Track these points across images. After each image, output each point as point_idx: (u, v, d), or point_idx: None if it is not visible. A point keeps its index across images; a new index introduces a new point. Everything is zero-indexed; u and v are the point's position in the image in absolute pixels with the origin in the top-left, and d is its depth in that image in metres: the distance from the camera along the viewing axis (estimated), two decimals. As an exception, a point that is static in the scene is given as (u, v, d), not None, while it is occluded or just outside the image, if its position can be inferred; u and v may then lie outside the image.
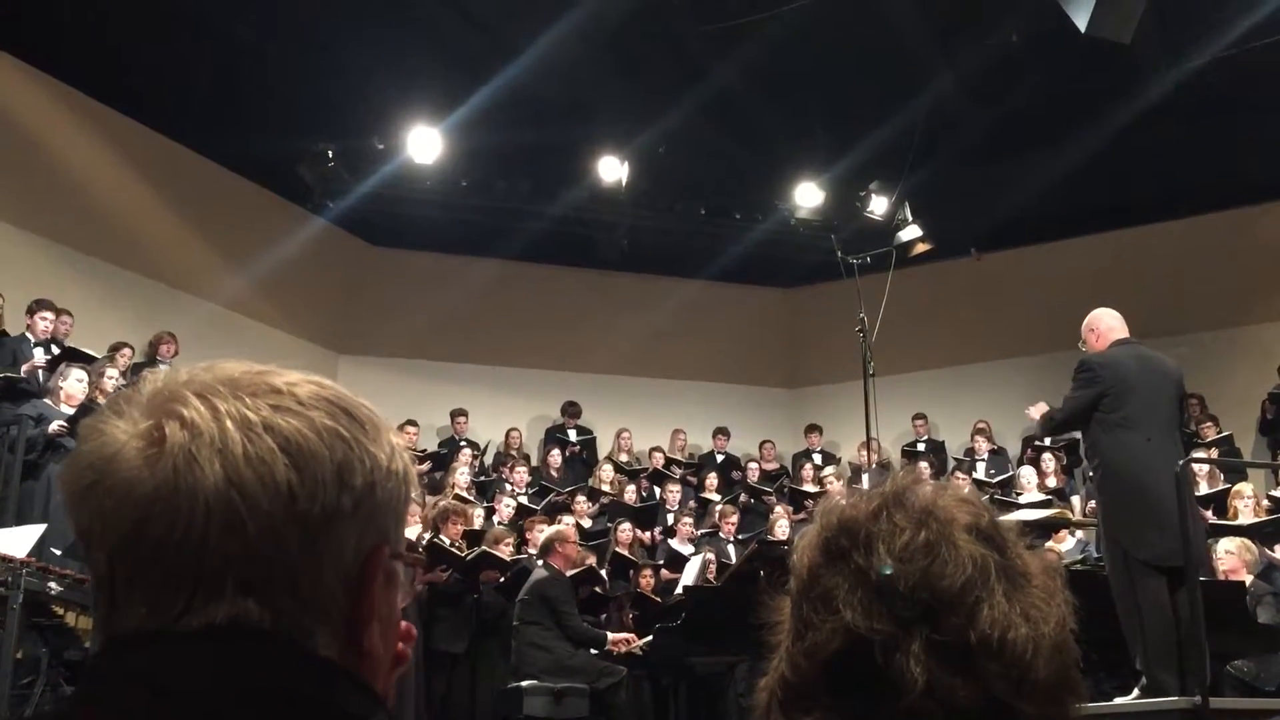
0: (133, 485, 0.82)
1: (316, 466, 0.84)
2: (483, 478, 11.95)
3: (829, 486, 11.66)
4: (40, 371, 8.77)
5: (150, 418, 0.84)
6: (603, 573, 9.64)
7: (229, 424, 0.83)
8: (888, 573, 0.98)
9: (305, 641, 0.84)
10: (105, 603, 0.85)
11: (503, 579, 8.75)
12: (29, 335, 9.12)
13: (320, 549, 0.85)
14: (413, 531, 8.72)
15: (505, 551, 8.83)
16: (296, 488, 0.83)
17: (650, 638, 8.23)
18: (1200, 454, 10.04)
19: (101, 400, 8.10)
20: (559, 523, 9.59)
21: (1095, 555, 8.10)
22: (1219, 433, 11.31)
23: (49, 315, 9.22)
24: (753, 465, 12.96)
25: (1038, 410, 6.12)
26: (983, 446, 12.76)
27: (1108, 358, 5.69)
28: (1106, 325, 5.88)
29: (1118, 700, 5.28)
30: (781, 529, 10.37)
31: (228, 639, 0.81)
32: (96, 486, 0.83)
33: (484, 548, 8.73)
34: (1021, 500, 10.32)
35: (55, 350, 9.09)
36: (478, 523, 9.89)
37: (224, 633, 0.81)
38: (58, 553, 6.42)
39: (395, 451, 0.91)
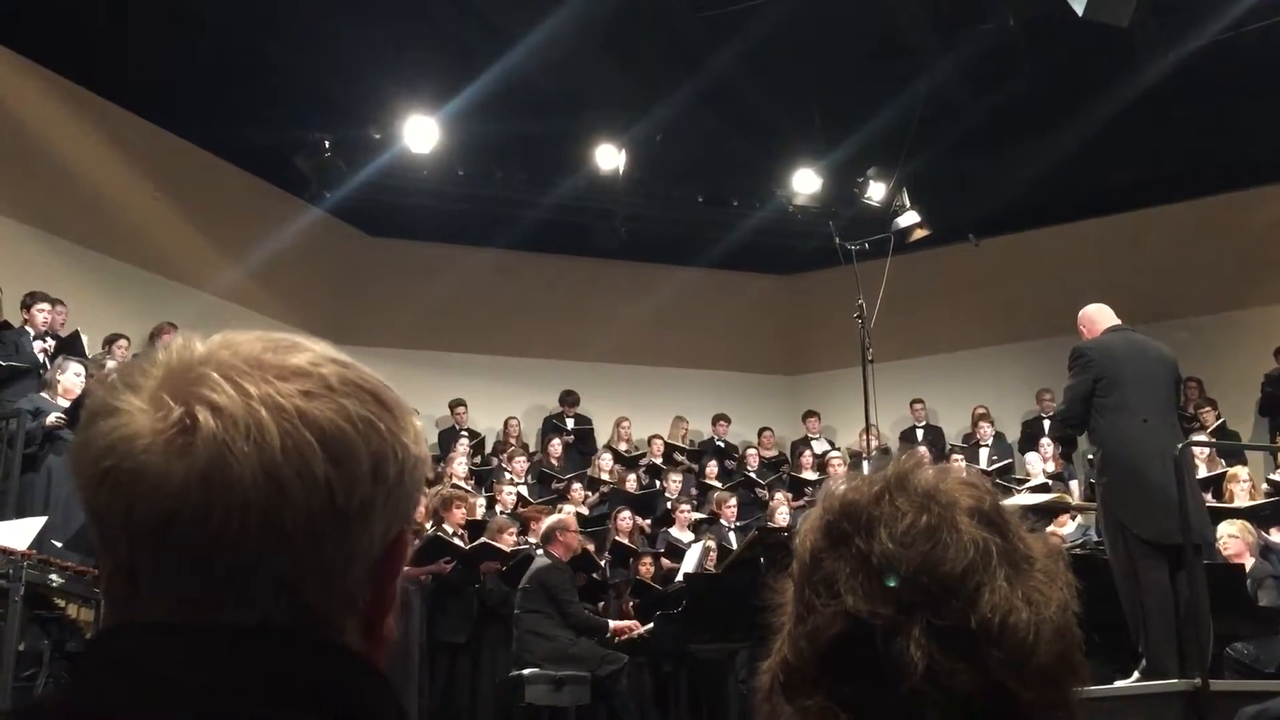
0: (161, 474, 0.78)
1: (353, 460, 0.82)
2: (484, 466, 11.97)
3: (833, 469, 11.69)
4: (43, 354, 8.79)
5: (176, 400, 0.80)
6: (602, 561, 9.66)
7: (264, 413, 0.80)
8: (892, 585, 0.97)
9: (333, 634, 0.83)
10: (123, 588, 0.82)
11: (504, 569, 8.75)
12: (29, 329, 9.11)
13: (353, 543, 0.83)
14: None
15: (508, 541, 8.82)
16: (335, 483, 0.81)
17: (651, 625, 8.25)
18: (1199, 438, 10.06)
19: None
20: (559, 511, 9.59)
21: (1095, 539, 8.12)
22: (1217, 416, 11.33)
23: (46, 306, 9.20)
24: (751, 451, 12.97)
25: None
26: (986, 432, 12.78)
27: (1099, 343, 5.75)
28: (1095, 317, 5.93)
29: (1118, 683, 5.29)
30: (782, 515, 10.38)
31: (255, 633, 0.79)
32: (116, 471, 0.79)
33: (485, 539, 8.72)
34: (1024, 485, 10.34)
35: (53, 342, 9.09)
36: (479, 512, 9.89)
37: (252, 627, 0.80)
38: (58, 545, 6.42)
39: (418, 435, 0.90)
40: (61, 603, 5.89)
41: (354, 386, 0.85)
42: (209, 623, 0.79)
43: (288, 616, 0.80)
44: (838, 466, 11.75)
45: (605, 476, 11.80)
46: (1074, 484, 11.23)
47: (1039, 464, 11.28)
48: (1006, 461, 12.29)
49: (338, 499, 0.81)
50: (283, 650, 0.80)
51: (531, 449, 12.75)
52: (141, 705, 0.76)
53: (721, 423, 13.52)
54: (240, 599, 0.80)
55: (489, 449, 12.73)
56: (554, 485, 11.48)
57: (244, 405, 0.80)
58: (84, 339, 9.33)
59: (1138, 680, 5.22)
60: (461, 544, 8.67)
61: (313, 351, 0.87)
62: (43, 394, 8.13)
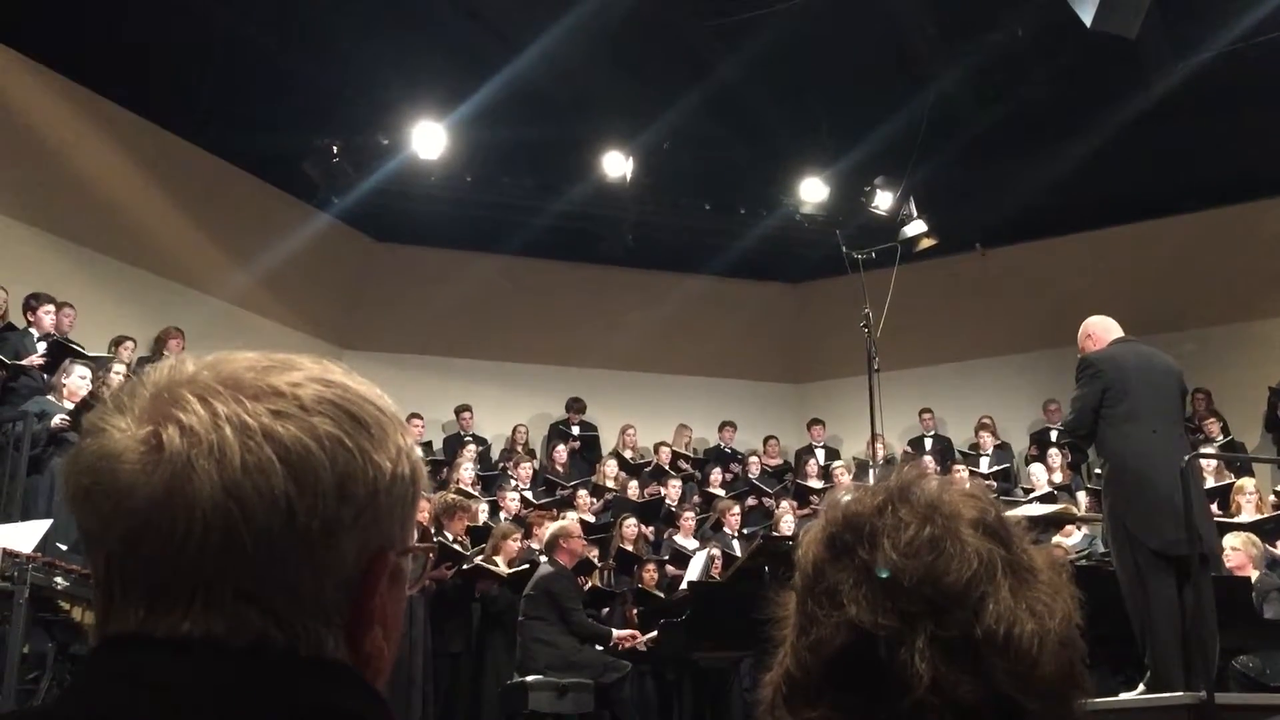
0: (131, 490, 0.81)
1: (316, 478, 0.82)
2: (489, 471, 11.97)
3: (838, 479, 11.67)
4: (37, 365, 8.71)
5: (150, 420, 0.83)
6: (605, 565, 9.64)
7: (228, 431, 0.81)
8: (884, 575, 0.97)
9: (310, 646, 0.83)
10: (104, 601, 0.84)
11: (497, 587, 8.70)
12: (33, 330, 9.10)
13: (319, 560, 0.83)
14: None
15: (510, 549, 8.79)
16: (295, 500, 0.81)
17: (655, 633, 8.24)
18: (1207, 450, 10.03)
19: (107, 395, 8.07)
20: (563, 518, 9.58)
21: (1101, 551, 8.10)
22: (1223, 427, 11.31)
23: (50, 308, 9.18)
24: (754, 459, 12.96)
25: None
26: (987, 441, 12.76)
27: (1107, 353, 5.75)
28: (1101, 329, 5.92)
29: (1123, 695, 5.28)
30: (786, 524, 10.37)
31: (223, 645, 0.80)
32: (95, 489, 0.82)
33: (478, 561, 8.65)
34: (1028, 495, 10.32)
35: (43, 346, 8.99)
36: (482, 518, 9.88)
37: (220, 639, 0.81)
38: (63, 548, 6.42)
39: (402, 453, 0.88)
40: (66, 605, 5.89)
41: (329, 405, 0.85)
42: (178, 635, 0.81)
43: (256, 627, 0.81)
44: (841, 475, 11.73)
45: (610, 484, 11.80)
46: (1080, 495, 11.21)
47: (1044, 475, 11.25)
48: (1004, 466, 12.29)
49: (298, 517, 0.81)
50: (251, 664, 0.81)
51: (537, 455, 12.75)
52: (121, 715, 0.78)
53: (728, 429, 13.51)
54: (206, 611, 0.81)
55: (495, 455, 12.74)
56: (559, 492, 11.48)
57: (210, 423, 0.82)
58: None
59: (1143, 693, 5.20)
60: (462, 550, 8.65)
61: (300, 371, 0.87)
62: (49, 397, 8.14)
